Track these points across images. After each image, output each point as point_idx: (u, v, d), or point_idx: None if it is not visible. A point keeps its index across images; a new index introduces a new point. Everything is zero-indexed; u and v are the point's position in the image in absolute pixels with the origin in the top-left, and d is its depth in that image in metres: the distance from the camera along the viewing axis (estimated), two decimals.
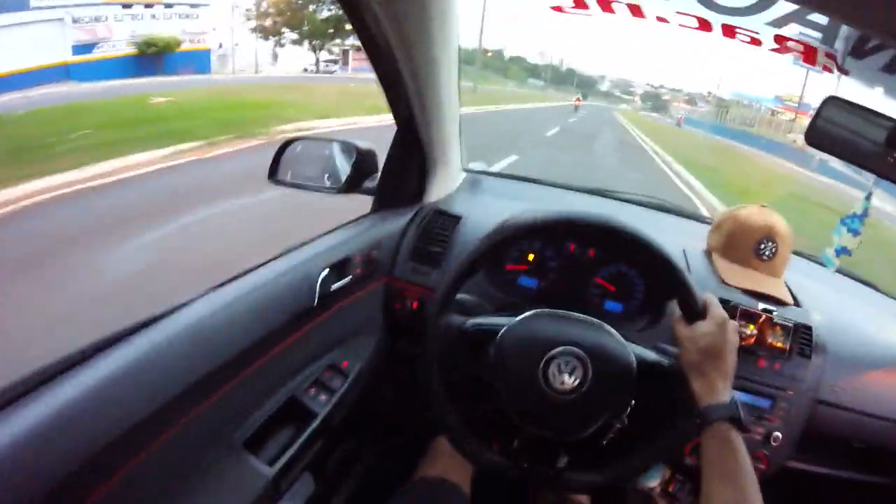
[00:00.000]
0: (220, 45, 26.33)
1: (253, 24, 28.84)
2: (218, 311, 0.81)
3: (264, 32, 29.44)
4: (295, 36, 30.82)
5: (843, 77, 1.06)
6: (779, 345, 1.03)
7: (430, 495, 1.00)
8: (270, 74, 27.10)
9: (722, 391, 0.74)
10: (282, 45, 30.64)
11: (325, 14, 30.34)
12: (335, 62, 33.46)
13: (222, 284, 0.88)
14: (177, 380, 0.71)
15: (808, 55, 1.06)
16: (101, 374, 0.64)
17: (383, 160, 1.23)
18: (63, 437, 0.58)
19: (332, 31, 30.78)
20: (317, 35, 31.07)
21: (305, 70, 30.96)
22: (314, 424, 0.96)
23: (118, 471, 0.64)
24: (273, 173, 1.20)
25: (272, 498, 0.87)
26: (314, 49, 31.84)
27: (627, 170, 11.86)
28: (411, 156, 1.22)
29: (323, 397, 1.00)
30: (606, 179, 9.43)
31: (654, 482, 1.35)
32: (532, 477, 0.84)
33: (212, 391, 0.78)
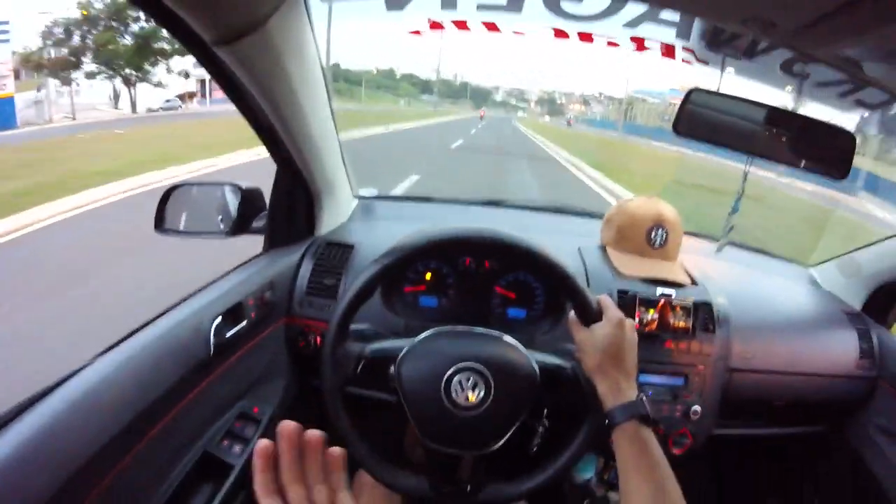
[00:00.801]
0: (39, 89, 21.48)
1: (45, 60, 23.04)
2: (110, 376, 0.76)
3: (53, 66, 23.66)
4: (93, 68, 25.29)
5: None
6: (681, 325, 1.07)
7: None
8: (101, 118, 21.97)
9: (626, 390, 0.75)
10: (74, 83, 24.16)
11: (127, 40, 25.04)
12: (181, 98, 30.00)
13: (111, 347, 0.82)
14: (74, 455, 0.65)
15: (667, 51, 1.14)
16: None
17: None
18: None
19: (152, 57, 25.85)
20: (124, 64, 25.40)
21: (150, 110, 26.61)
22: (232, 477, 0.91)
23: None
24: (159, 223, 1.12)
25: None
26: (127, 82, 26.33)
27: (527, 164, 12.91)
28: (296, 190, 1.18)
29: (237, 448, 0.95)
30: (510, 179, 9.83)
31: (588, 474, 1.38)
32: (454, 498, 0.82)
33: (116, 460, 0.72)
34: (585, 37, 1.12)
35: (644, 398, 0.74)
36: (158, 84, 27.53)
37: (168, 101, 28.93)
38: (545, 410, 0.84)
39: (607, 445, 0.74)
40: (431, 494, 0.81)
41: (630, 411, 0.72)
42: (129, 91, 26.67)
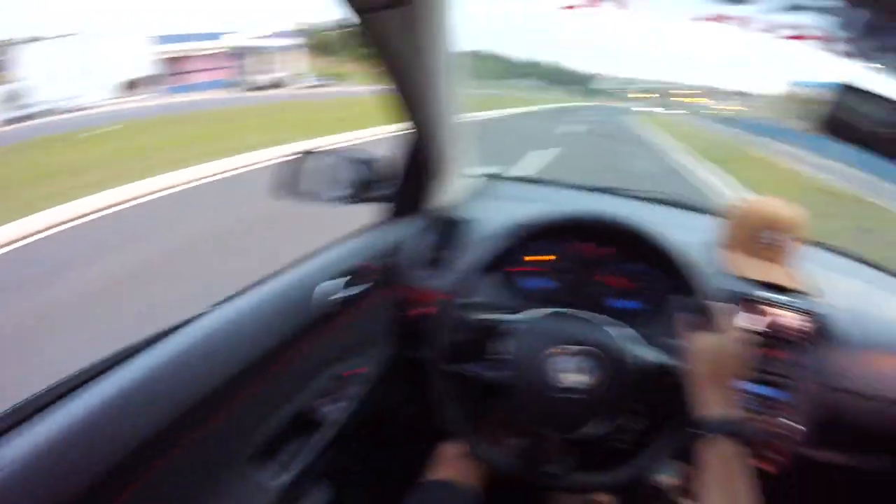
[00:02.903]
0: None
1: None
2: (227, 325, 0.82)
3: None
4: None
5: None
6: (792, 335, 1.01)
7: (439, 499, 1.00)
8: None
9: (725, 401, 0.73)
10: None
11: None
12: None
13: (231, 298, 0.90)
14: (185, 396, 0.73)
15: (815, 40, 1.05)
16: (106, 394, 0.66)
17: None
18: (70, 456, 0.59)
19: None
20: None
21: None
22: (325, 434, 0.97)
23: (127, 488, 0.64)
24: (287, 186, 1.21)
25: None
26: None
27: None
28: (420, 163, 1.23)
29: (334, 407, 1.02)
30: None
31: (667, 477, 1.33)
32: (541, 478, 0.84)
33: (221, 405, 0.79)
34: (744, 22, 1.06)
35: (743, 413, 0.72)
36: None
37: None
38: (640, 406, 0.84)
39: (693, 453, 0.72)
40: (519, 473, 0.84)
41: (725, 425, 0.70)
42: None
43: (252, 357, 0.83)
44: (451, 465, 1.04)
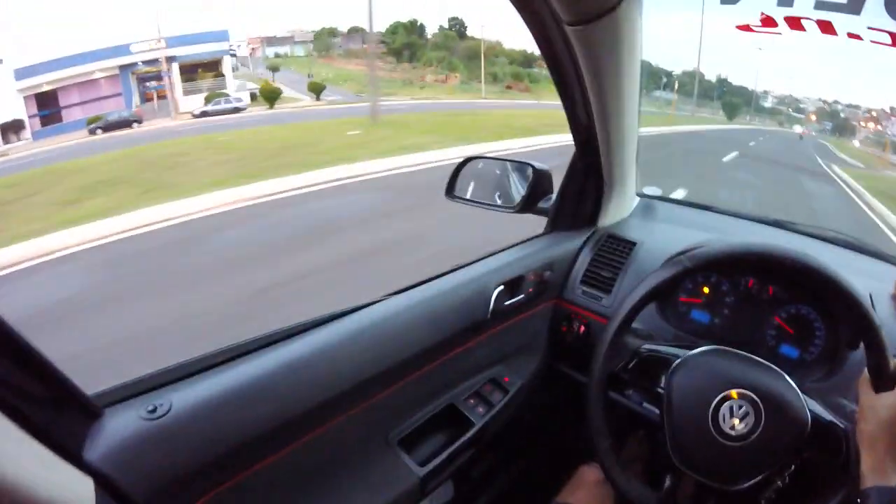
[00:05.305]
0: None
1: None
2: (397, 315, 0.88)
3: None
4: None
5: None
6: None
7: None
8: None
9: (893, 474, 0.64)
10: None
11: None
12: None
13: (402, 290, 0.95)
14: (349, 374, 0.78)
15: None
16: (276, 363, 0.72)
17: (558, 182, 1.23)
18: (231, 413, 0.66)
19: None
20: None
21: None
22: (468, 434, 0.99)
23: (278, 453, 0.71)
24: (451, 190, 1.26)
25: (417, 497, 0.91)
26: None
27: None
28: (587, 178, 1.22)
29: (480, 409, 1.03)
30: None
31: None
32: None
33: (379, 388, 0.84)
34: None
35: None
36: None
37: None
38: (793, 466, 0.76)
39: None
40: None
41: (889, 498, 0.62)
42: None
43: (419, 348, 0.88)
44: (588, 490, 1.02)
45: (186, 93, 26.60)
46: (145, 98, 26.06)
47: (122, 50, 24.45)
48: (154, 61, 25.37)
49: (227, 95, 26.19)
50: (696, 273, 0.96)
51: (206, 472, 0.63)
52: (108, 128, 21.83)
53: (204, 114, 24.32)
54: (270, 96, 27.77)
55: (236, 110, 24.89)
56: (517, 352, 1.15)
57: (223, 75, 28.00)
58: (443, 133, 12.98)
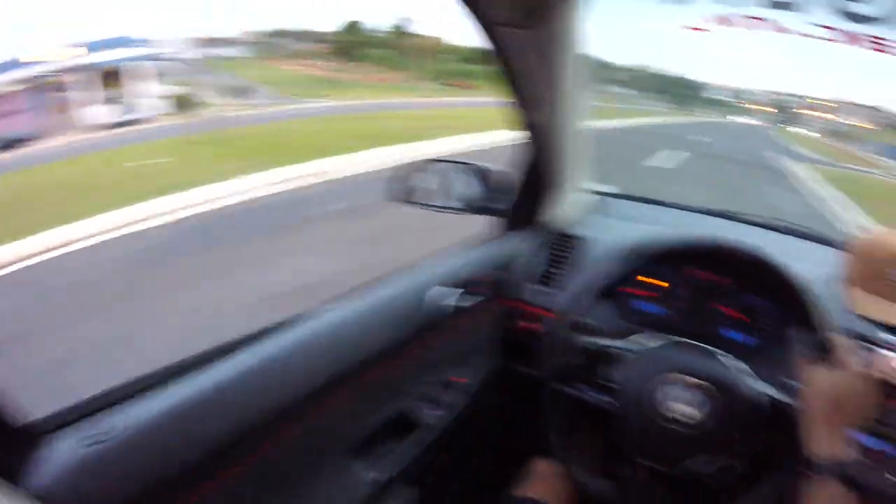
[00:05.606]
0: None
1: None
2: (343, 322, 0.86)
3: None
4: None
5: None
6: None
7: None
8: None
9: (841, 446, 0.68)
10: None
11: None
12: None
13: (348, 296, 0.94)
14: (299, 384, 0.77)
15: None
16: (218, 378, 0.70)
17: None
18: (177, 432, 0.63)
19: None
20: None
21: None
22: (422, 437, 1.00)
23: (232, 468, 0.68)
24: (404, 193, 1.24)
25: None
26: None
27: None
28: (537, 178, 1.23)
29: (434, 412, 1.04)
30: None
31: None
32: None
33: (328, 398, 0.83)
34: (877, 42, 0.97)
35: (857, 457, 0.68)
36: None
37: None
38: (754, 449, 0.79)
39: (798, 497, 0.68)
40: (611, 501, 0.84)
41: (839, 469, 0.66)
42: None
43: (367, 354, 0.87)
44: (542, 482, 1.03)
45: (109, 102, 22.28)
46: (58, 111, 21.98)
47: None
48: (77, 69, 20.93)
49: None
50: (644, 266, 0.98)
51: (155, 495, 0.60)
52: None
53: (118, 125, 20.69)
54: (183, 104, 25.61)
55: (130, 123, 20.54)
56: (470, 352, 1.16)
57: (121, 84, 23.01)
58: (259, 155, 10.03)
